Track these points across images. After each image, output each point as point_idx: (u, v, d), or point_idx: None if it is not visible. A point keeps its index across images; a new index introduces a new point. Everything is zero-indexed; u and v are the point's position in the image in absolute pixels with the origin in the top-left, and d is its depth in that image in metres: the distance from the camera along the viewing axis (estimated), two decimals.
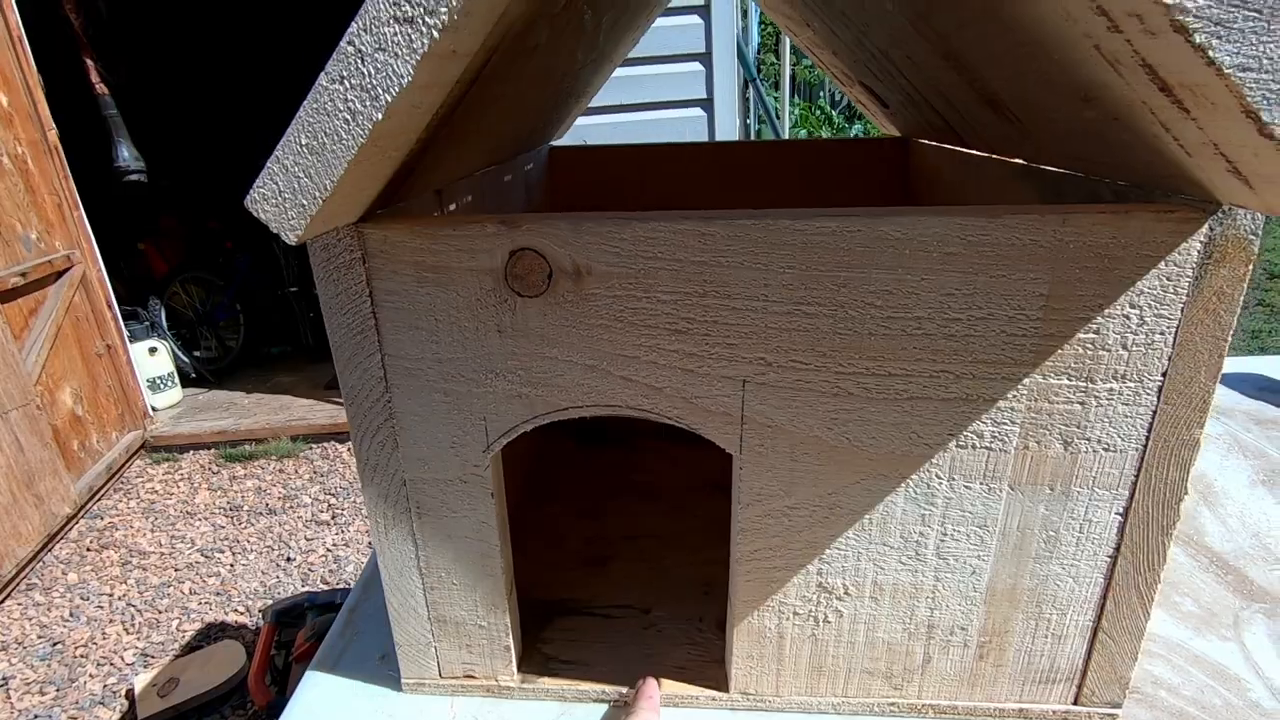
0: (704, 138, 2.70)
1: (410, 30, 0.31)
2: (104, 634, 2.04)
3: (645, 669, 0.56)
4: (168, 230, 3.85)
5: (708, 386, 0.45)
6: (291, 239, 0.35)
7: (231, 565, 2.34)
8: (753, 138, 3.70)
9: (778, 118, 3.47)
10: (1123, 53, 0.34)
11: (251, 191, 0.35)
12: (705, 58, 2.64)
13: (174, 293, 3.84)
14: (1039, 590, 0.49)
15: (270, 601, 2.12)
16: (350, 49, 0.32)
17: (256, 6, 4.08)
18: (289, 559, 2.37)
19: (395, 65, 0.32)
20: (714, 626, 0.61)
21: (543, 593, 0.66)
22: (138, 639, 2.01)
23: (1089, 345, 0.42)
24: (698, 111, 2.69)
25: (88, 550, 2.45)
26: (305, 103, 0.33)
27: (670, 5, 2.57)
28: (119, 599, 2.20)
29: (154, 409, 3.34)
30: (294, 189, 0.34)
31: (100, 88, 3.04)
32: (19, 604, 2.19)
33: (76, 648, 1.98)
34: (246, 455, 3.06)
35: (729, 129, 2.71)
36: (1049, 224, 0.39)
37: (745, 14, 3.78)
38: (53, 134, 2.80)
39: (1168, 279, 0.40)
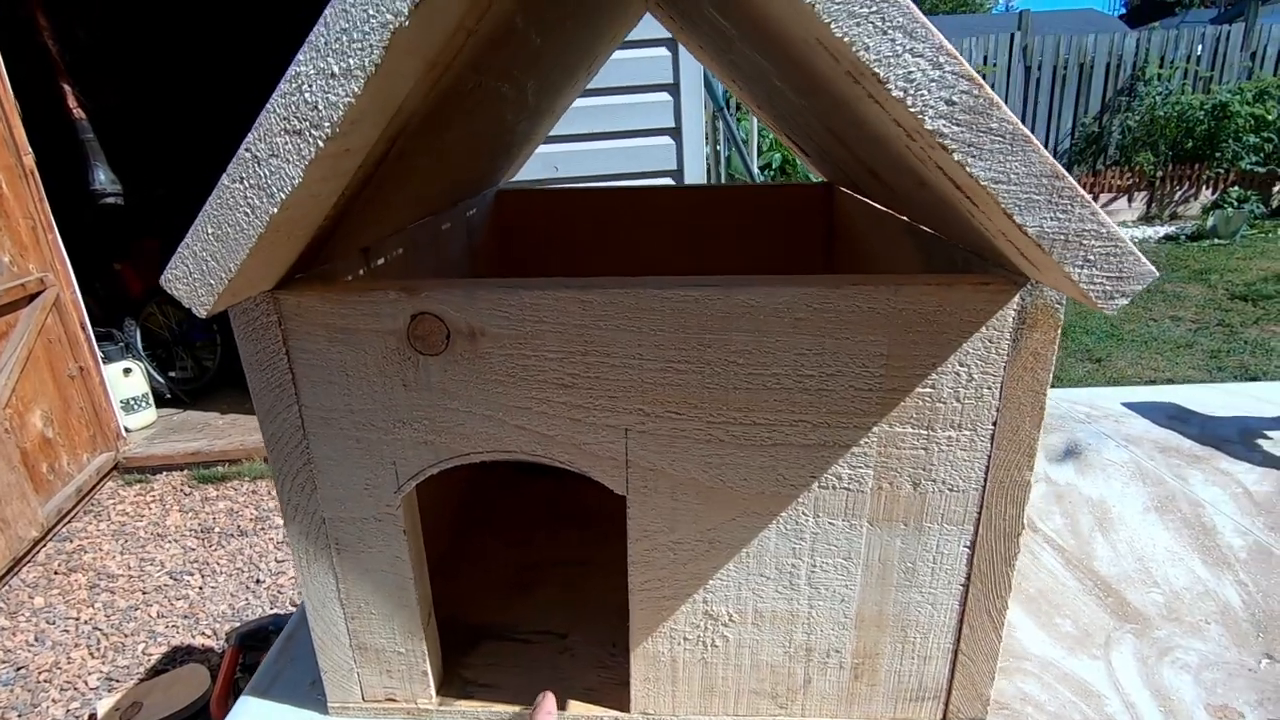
0: (672, 166, 2.77)
1: (299, 140, 0.36)
2: (69, 658, 2.04)
3: (556, 691, 0.61)
4: (144, 251, 3.86)
5: (594, 434, 0.50)
6: (201, 313, 0.40)
7: (200, 588, 2.35)
8: (722, 164, 3.79)
9: (746, 142, 3.56)
10: (924, 156, 0.40)
11: (166, 271, 0.39)
12: (674, 88, 2.72)
13: (150, 313, 3.84)
14: (903, 616, 0.54)
15: (237, 624, 2.13)
16: (247, 154, 0.37)
17: (234, 32, 4.14)
18: (258, 581, 2.38)
19: (287, 169, 0.37)
20: (624, 651, 0.65)
21: (470, 618, 0.71)
22: (102, 663, 2.01)
23: (927, 398, 0.47)
24: (666, 140, 2.76)
25: (55, 573, 2.45)
26: (210, 198, 0.38)
27: (640, 38, 2.65)
28: (85, 622, 2.20)
29: (127, 430, 3.34)
30: (203, 271, 0.39)
31: (78, 112, 3.08)
32: None
33: (40, 672, 1.98)
34: (220, 476, 3.06)
35: (697, 156, 2.79)
36: (883, 293, 0.45)
37: None
38: (29, 158, 2.83)
39: (989, 341, 0.46)
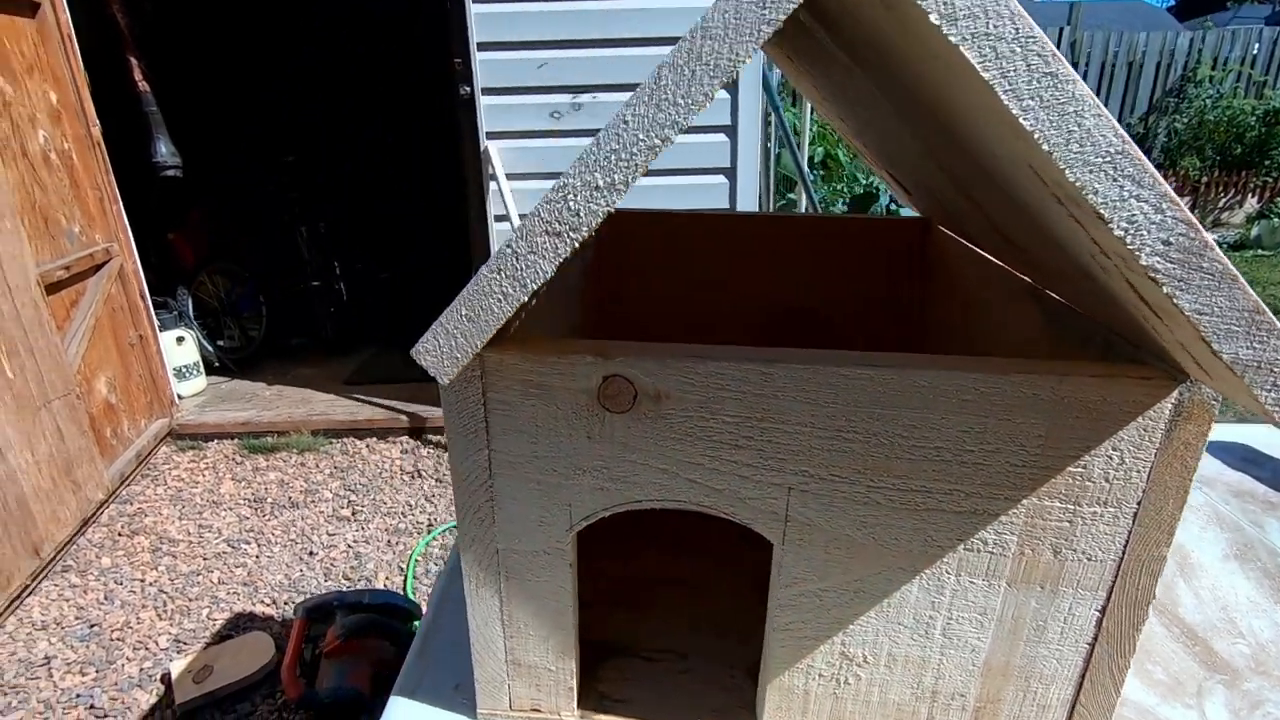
0: (726, 164, 2.79)
1: (557, 240, 0.40)
2: (138, 618, 2.14)
3: (686, 710, 0.66)
4: (196, 222, 3.95)
5: (759, 491, 0.54)
6: (444, 381, 0.45)
7: (257, 557, 2.45)
8: (773, 161, 3.79)
9: (796, 133, 3.55)
10: (1114, 271, 0.43)
11: (418, 344, 0.44)
12: (730, 86, 2.72)
13: (200, 282, 3.94)
14: (1028, 668, 0.58)
15: (300, 598, 2.23)
16: (509, 250, 0.41)
17: (294, 10, 4.18)
18: (311, 553, 2.47)
19: (542, 264, 0.41)
20: (744, 673, 0.70)
21: (594, 634, 0.76)
22: (170, 625, 2.12)
23: (1078, 476, 0.51)
24: (721, 138, 2.78)
25: (119, 535, 2.56)
26: (469, 285, 0.42)
27: None
28: (150, 584, 2.31)
29: (180, 397, 3.44)
30: (451, 346, 0.44)
31: (142, 85, 3.14)
32: (55, 585, 2.29)
33: (113, 631, 2.09)
34: (269, 447, 3.16)
35: (751, 154, 2.79)
36: (1049, 381, 0.48)
37: None
38: (96, 129, 2.90)
39: (1144, 430, 0.49)
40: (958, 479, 0.52)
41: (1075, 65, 8.97)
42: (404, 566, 2.38)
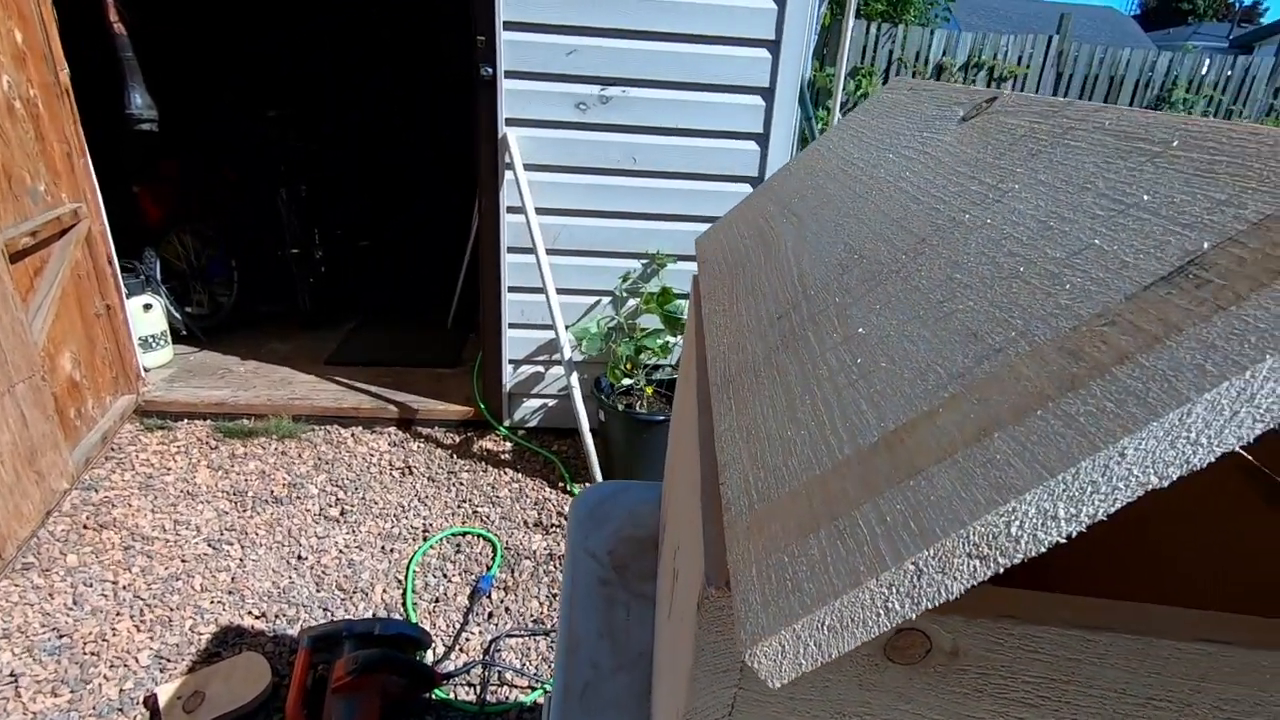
0: (754, 173, 2.70)
1: (979, 564, 0.32)
2: (113, 629, 1.99)
3: None
4: (166, 176, 3.64)
5: None
6: (775, 685, 0.36)
7: (241, 560, 2.31)
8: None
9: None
10: None
11: (753, 648, 0.36)
12: (768, 92, 2.62)
13: (168, 243, 3.66)
14: None
15: (291, 609, 2.11)
16: (911, 567, 0.33)
17: None
18: (300, 558, 2.34)
19: (950, 585, 0.33)
20: None
21: None
22: (150, 638, 1.98)
23: None
24: (752, 145, 2.68)
25: (85, 528, 2.37)
26: (843, 598, 0.34)
27: (741, 36, 2.54)
28: (124, 589, 2.15)
29: (146, 370, 3.21)
30: (797, 653, 0.35)
31: (118, 27, 2.83)
32: (16, 585, 2.11)
33: (86, 643, 1.94)
34: (246, 432, 2.98)
35: (781, 164, 2.71)
36: None
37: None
38: (64, 75, 2.61)
39: None
40: None
41: (1060, 75, 9.13)
42: (401, 578, 2.28)
